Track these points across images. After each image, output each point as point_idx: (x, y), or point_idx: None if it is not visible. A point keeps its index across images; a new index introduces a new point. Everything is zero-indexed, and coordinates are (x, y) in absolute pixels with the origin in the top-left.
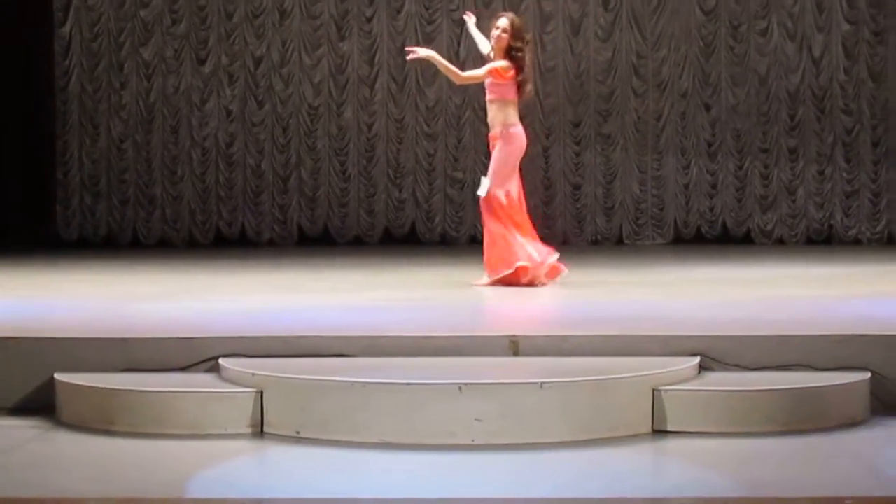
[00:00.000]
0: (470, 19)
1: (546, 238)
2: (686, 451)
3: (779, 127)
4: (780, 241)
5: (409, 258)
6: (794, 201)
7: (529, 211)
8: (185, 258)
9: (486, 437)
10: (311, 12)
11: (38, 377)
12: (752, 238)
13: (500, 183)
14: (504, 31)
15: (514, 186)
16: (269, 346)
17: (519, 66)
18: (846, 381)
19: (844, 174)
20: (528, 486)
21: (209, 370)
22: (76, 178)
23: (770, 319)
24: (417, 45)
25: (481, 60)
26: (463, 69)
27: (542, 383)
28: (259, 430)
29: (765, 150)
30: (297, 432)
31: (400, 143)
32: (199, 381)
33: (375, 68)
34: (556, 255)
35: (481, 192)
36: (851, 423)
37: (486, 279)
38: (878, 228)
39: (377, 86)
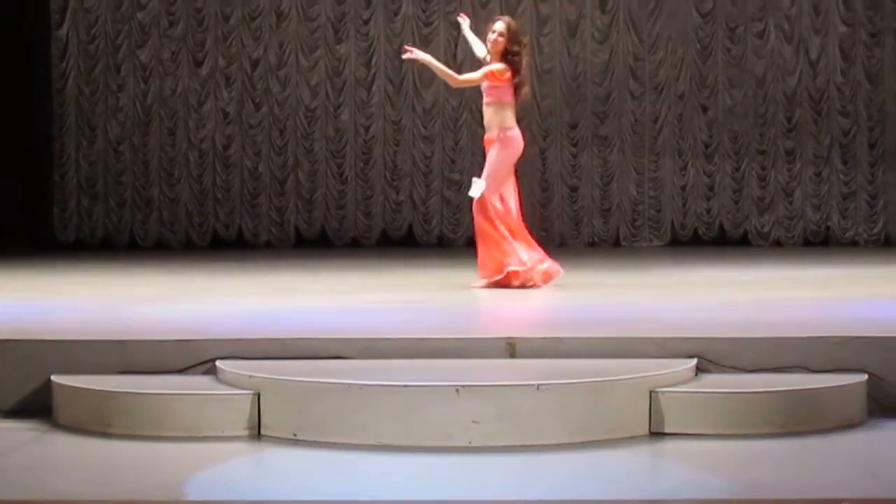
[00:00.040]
0: (464, 21)
1: (543, 240)
2: (683, 453)
3: (776, 129)
4: (777, 243)
5: (407, 260)
6: (791, 203)
7: (526, 213)
8: (182, 260)
9: (484, 439)
10: (308, 14)
11: (35, 379)
12: (749, 240)
13: (495, 187)
14: (500, 34)
15: (509, 189)
16: (267, 348)
17: (515, 69)
18: (843, 383)
19: (841, 176)
20: (525, 488)
21: (206, 372)
22: (73, 181)
23: (767, 321)
24: (414, 47)
25: (478, 63)
26: (460, 72)
27: (538, 385)
28: (256, 433)
29: (762, 152)
30: (295, 434)
31: (397, 146)
32: (197, 384)
33: (372, 71)
34: (548, 264)
35: (472, 192)
36: (848, 425)
37: (482, 281)
38: (875, 230)
39: (374, 88)
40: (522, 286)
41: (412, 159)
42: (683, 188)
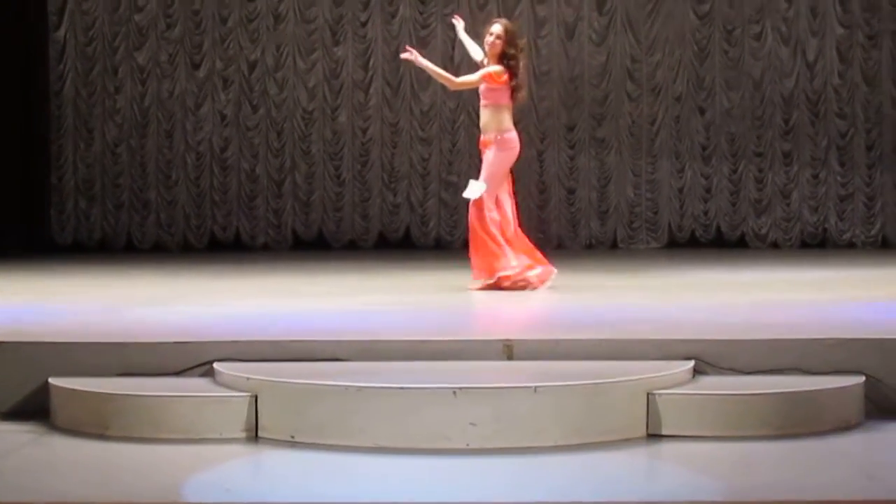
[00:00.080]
0: (459, 23)
1: (540, 242)
2: (680, 455)
3: (773, 131)
4: (775, 245)
5: (404, 262)
6: (788, 205)
7: (524, 215)
8: (179, 262)
9: (481, 442)
10: (305, 17)
11: (33, 381)
12: (746, 242)
13: (492, 189)
14: (498, 37)
15: (504, 192)
16: (264, 350)
17: (513, 72)
18: (840, 385)
19: (839, 178)
20: (523, 490)
21: (204, 374)
22: (70, 183)
23: (764, 323)
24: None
25: (475, 66)
26: (457, 74)
27: (536, 387)
28: (254, 435)
29: (759, 154)
30: (292, 437)
31: (394, 148)
32: (194, 386)
33: (370, 73)
34: (539, 270)
35: (468, 194)
36: (846, 427)
37: (477, 283)
38: (873, 232)
39: (371, 90)
40: (512, 288)
41: (409, 161)
42: (681, 190)
